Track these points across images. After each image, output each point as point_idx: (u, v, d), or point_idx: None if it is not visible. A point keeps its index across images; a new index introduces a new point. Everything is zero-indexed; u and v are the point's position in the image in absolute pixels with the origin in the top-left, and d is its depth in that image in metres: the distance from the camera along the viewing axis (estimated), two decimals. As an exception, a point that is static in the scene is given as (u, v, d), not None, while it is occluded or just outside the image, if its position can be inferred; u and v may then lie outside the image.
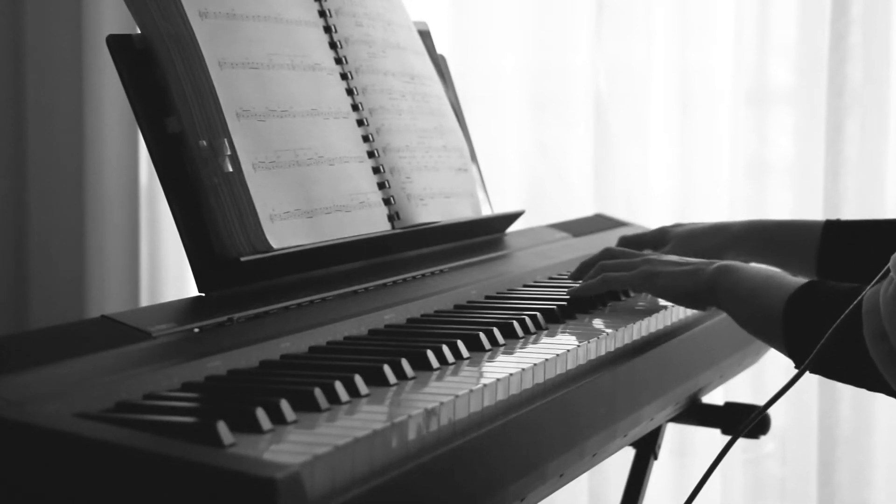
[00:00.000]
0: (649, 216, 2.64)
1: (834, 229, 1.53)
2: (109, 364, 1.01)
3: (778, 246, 1.56)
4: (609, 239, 1.90)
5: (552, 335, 1.29)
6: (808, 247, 1.53)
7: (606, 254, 1.50)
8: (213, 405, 0.96)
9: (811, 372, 1.25)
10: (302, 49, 1.42)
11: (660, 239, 1.63)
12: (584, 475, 2.54)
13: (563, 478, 1.21)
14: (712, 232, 1.58)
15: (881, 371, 1.15)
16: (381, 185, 1.48)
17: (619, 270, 1.43)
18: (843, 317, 1.17)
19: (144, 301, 2.88)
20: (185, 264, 1.27)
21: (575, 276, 1.51)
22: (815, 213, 2.56)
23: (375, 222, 1.44)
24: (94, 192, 2.86)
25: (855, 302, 1.17)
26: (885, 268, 1.14)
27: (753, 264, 1.35)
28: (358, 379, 1.02)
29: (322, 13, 1.49)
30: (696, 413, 1.75)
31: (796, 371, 1.22)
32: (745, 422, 1.31)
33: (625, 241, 1.65)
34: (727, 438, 1.26)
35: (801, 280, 1.28)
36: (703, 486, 1.26)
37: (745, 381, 2.54)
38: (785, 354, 1.28)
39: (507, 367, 1.12)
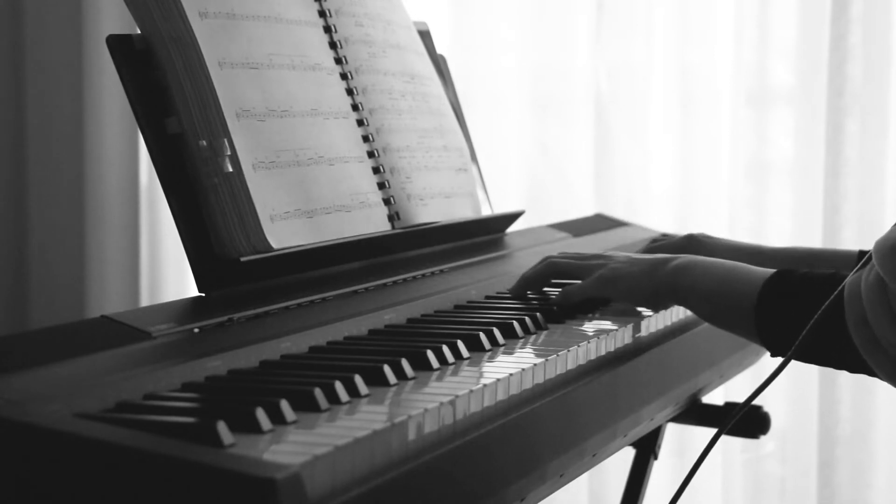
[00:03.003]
0: (649, 216, 2.64)
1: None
2: (109, 364, 1.01)
3: None
4: (609, 239, 1.90)
5: (552, 335, 1.29)
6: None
7: (551, 258, 1.46)
8: (213, 405, 0.96)
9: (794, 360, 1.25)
10: (302, 49, 1.42)
11: (685, 248, 1.62)
12: (584, 475, 2.55)
13: (563, 478, 1.21)
14: (747, 256, 1.57)
15: (864, 356, 1.16)
16: (381, 185, 1.48)
17: (569, 270, 1.41)
18: (825, 305, 1.17)
19: (144, 301, 2.88)
20: (185, 264, 1.27)
21: (518, 292, 1.46)
22: (815, 213, 2.56)
23: (375, 222, 1.44)
24: (94, 192, 2.86)
25: (838, 290, 1.17)
26: (867, 254, 1.15)
27: (708, 259, 1.34)
28: (358, 379, 1.02)
29: (322, 13, 1.49)
30: (696, 413, 1.75)
31: (781, 361, 1.22)
32: (731, 414, 1.30)
33: (650, 250, 1.63)
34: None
35: (765, 270, 1.28)
36: (690, 480, 1.26)
37: (745, 381, 2.54)
38: (759, 344, 1.29)
39: (507, 367, 1.12)
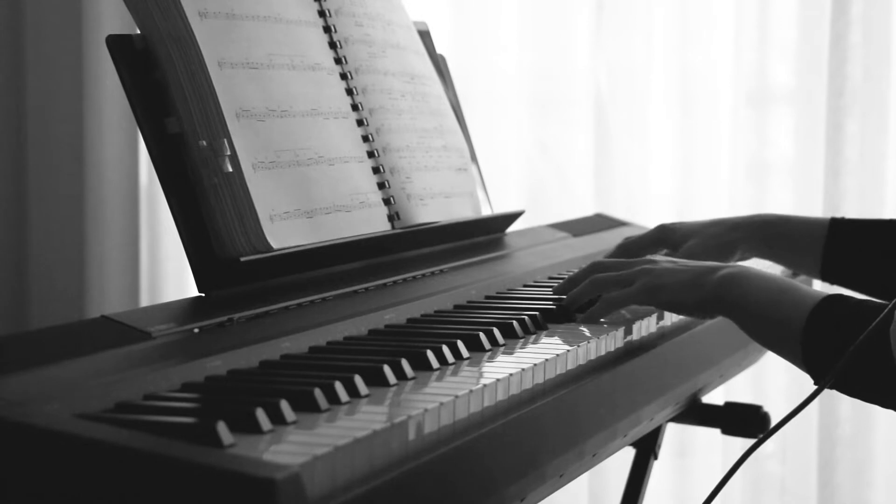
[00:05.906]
0: (649, 216, 2.64)
1: (840, 227, 1.53)
2: (109, 364, 1.01)
3: (784, 241, 1.56)
4: (609, 239, 1.90)
5: (552, 335, 1.29)
6: (814, 243, 1.53)
7: (596, 267, 1.41)
8: (212, 405, 0.96)
9: (831, 388, 1.22)
10: (302, 49, 1.42)
11: (662, 238, 1.61)
12: (584, 475, 2.54)
13: (563, 478, 1.21)
14: (723, 230, 1.56)
15: None
16: (381, 185, 1.48)
17: (614, 283, 1.36)
18: (864, 334, 1.14)
19: (144, 301, 2.88)
20: (185, 264, 1.27)
21: (561, 292, 1.43)
22: (815, 213, 2.56)
23: (375, 222, 1.44)
24: (94, 192, 2.86)
25: (877, 320, 1.14)
26: None
27: (760, 271, 1.29)
28: (358, 379, 1.02)
29: (322, 13, 1.49)
30: (696, 413, 1.75)
31: (815, 386, 1.20)
32: (761, 437, 1.27)
33: (624, 248, 1.61)
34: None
35: (817, 293, 1.24)
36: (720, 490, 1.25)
37: (745, 381, 2.54)
38: (802, 370, 1.25)
39: (507, 367, 1.12)
